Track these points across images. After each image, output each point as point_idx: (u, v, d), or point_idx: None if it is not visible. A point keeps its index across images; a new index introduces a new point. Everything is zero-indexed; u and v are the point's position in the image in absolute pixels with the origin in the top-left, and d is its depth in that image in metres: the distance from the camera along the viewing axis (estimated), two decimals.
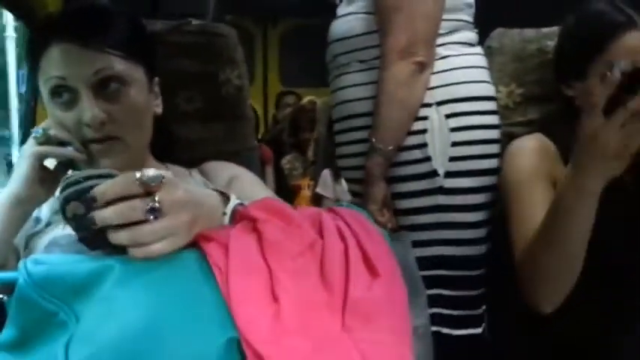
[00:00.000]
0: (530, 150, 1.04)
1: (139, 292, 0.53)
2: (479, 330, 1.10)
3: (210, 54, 1.16)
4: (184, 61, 1.15)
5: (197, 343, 0.51)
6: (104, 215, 0.54)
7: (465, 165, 1.06)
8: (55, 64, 0.79)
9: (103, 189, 0.54)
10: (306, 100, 3.17)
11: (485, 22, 1.19)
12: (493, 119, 1.11)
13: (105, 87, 0.79)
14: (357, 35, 1.11)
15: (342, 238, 0.61)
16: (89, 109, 0.77)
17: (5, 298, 0.61)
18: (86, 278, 0.55)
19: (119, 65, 0.80)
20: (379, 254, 0.61)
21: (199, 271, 0.55)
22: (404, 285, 0.63)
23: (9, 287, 0.58)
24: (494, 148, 1.10)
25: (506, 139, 1.15)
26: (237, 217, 0.62)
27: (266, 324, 0.52)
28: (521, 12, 1.30)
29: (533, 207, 0.98)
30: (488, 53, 1.20)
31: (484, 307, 1.13)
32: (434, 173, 1.05)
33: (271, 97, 4.20)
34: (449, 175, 1.05)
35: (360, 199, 1.13)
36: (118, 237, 0.54)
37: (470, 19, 1.12)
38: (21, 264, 0.57)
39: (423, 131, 1.06)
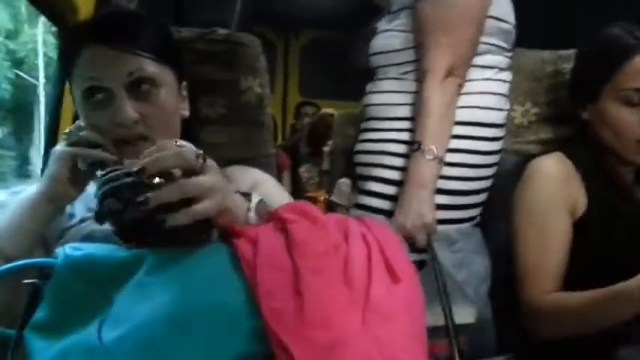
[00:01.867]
0: (550, 174, 1.06)
1: (170, 279, 0.56)
2: None
3: (234, 62, 1.19)
4: (208, 67, 1.18)
5: (223, 330, 0.54)
6: (160, 161, 0.59)
7: (445, 184, 1.08)
8: (89, 65, 0.82)
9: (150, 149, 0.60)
10: (324, 111, 3.20)
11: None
12: (486, 145, 1.11)
13: (137, 88, 0.82)
14: (393, 51, 1.15)
15: (366, 243, 0.63)
16: (123, 108, 0.80)
17: (41, 282, 0.64)
18: (121, 265, 0.58)
19: (151, 67, 0.83)
20: (400, 261, 0.63)
21: (228, 263, 0.59)
22: (422, 292, 0.65)
23: (46, 273, 0.61)
24: (479, 172, 1.11)
25: (518, 157, 1.18)
26: (268, 217, 0.65)
27: (290, 316, 0.54)
28: (540, 34, 1.32)
29: (548, 242, 1.02)
30: None
31: None
32: None
33: (290, 107, 4.24)
34: None
35: (367, 196, 1.16)
36: (169, 191, 0.57)
37: (502, 44, 1.13)
38: (60, 250, 0.60)
39: (409, 142, 1.09)
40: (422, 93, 1.06)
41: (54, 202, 0.78)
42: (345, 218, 0.67)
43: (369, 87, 1.22)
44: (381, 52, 1.17)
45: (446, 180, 1.08)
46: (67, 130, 0.81)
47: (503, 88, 1.15)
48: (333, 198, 1.70)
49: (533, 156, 1.13)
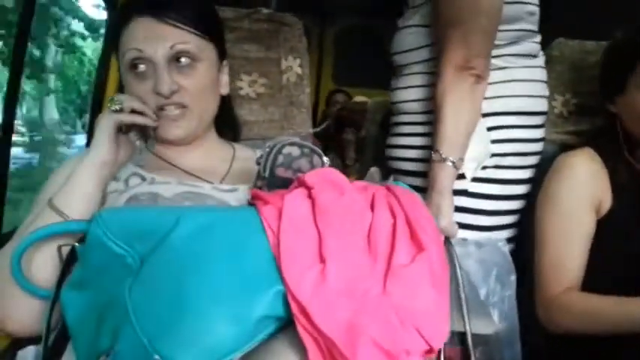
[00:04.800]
0: (579, 171, 1.05)
1: (201, 243, 0.57)
2: None
3: (276, 42, 1.22)
4: (251, 46, 1.21)
5: (247, 294, 0.55)
6: None
7: (495, 173, 1.07)
8: (134, 37, 0.86)
9: None
10: (353, 100, 3.17)
11: (547, 31, 1.20)
12: (534, 133, 1.10)
13: (178, 61, 0.87)
14: (418, 48, 1.13)
15: (393, 212, 0.63)
16: (163, 79, 0.85)
17: (78, 245, 0.66)
18: (154, 226, 0.59)
19: (193, 42, 0.87)
20: (427, 232, 0.62)
21: (256, 229, 0.59)
22: (447, 263, 0.65)
23: (82, 236, 0.64)
24: (528, 160, 1.10)
25: (555, 147, 1.17)
26: (296, 183, 0.66)
27: (312, 281, 0.55)
28: (583, 24, 1.30)
29: (571, 238, 1.01)
30: (548, 61, 1.19)
31: None
32: (461, 176, 1.06)
33: (323, 95, 4.23)
34: (477, 180, 1.06)
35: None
36: None
37: (532, 27, 1.11)
38: (95, 213, 0.63)
39: None
40: (433, 98, 1.04)
41: (109, 166, 0.81)
42: (374, 187, 0.68)
43: (394, 83, 1.20)
44: (406, 51, 1.15)
45: (497, 169, 1.07)
46: (111, 98, 0.85)
47: (543, 74, 1.13)
48: None
49: (570, 147, 1.11)
